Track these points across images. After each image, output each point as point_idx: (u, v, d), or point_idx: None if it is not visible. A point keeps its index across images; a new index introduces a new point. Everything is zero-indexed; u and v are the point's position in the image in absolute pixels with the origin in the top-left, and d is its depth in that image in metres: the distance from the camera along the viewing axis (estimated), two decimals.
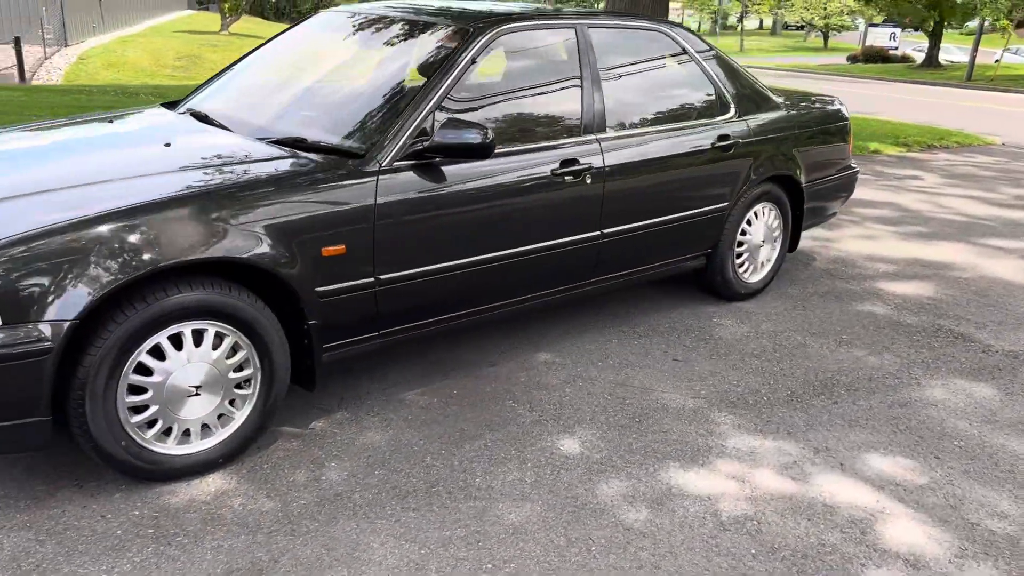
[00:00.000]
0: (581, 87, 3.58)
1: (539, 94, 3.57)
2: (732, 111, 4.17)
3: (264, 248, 2.62)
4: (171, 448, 2.63)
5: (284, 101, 3.48)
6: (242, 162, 2.88)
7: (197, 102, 3.66)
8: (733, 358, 3.80)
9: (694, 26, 54.11)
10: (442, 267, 3.10)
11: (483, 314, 3.40)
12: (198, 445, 2.68)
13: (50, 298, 2.26)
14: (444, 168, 3.08)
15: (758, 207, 4.36)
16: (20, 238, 2.29)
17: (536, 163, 3.34)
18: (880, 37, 39.76)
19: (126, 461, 2.53)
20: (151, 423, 2.58)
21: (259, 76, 3.73)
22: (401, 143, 2.98)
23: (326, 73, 3.63)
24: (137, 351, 2.46)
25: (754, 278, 4.51)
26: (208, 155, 2.98)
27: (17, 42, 17.12)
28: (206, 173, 2.77)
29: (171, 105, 3.77)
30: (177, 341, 2.54)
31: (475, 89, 3.32)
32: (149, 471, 2.60)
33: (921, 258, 5.48)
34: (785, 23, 56.63)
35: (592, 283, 3.75)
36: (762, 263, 4.51)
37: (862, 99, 17.90)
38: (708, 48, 4.22)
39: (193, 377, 2.58)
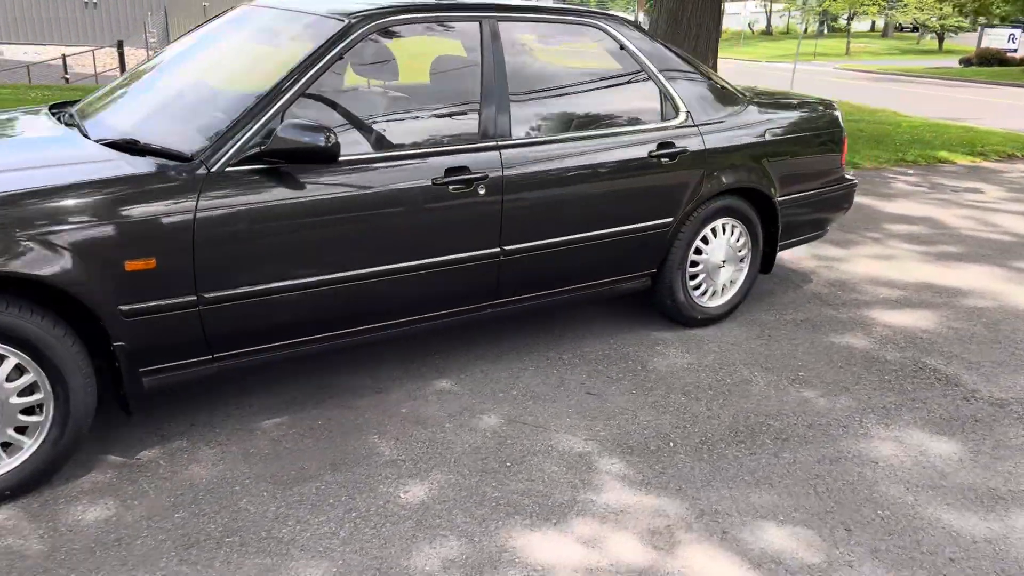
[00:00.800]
0: (481, 88, 3.21)
1: (427, 95, 3.21)
2: (682, 115, 3.71)
3: (54, 261, 2.36)
4: None
5: (149, 101, 3.22)
6: (56, 165, 2.63)
7: (84, 104, 3.44)
8: (656, 394, 3.36)
9: (800, 28, 52.20)
10: (286, 285, 2.78)
11: (354, 337, 3.06)
12: None
13: None
14: (299, 176, 2.76)
15: (717, 223, 3.88)
16: None
17: (412, 172, 2.98)
18: (998, 39, 37.46)
19: None
20: None
21: (150, 76, 3.49)
22: (238, 146, 2.68)
23: (199, 71, 3.35)
24: None
25: (714, 302, 4.03)
26: (22, 159, 2.75)
27: (120, 45, 17.83)
28: (6, 177, 2.52)
29: (62, 105, 3.57)
30: None
31: (345, 89, 2.99)
32: None
33: (935, 283, 4.86)
34: (898, 24, 53.97)
35: (497, 305, 3.36)
36: (724, 286, 4.03)
37: (961, 104, 16.77)
38: (657, 45, 3.76)
39: None
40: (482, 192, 3.11)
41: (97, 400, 2.61)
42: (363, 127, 2.96)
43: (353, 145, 2.89)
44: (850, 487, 2.79)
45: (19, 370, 2.43)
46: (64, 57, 20.48)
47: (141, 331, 2.56)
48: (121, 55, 18.20)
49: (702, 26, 8.14)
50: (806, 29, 53.77)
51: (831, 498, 2.72)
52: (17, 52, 25.15)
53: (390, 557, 2.36)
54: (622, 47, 3.62)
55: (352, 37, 2.94)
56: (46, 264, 2.34)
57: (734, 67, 27.62)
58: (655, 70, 3.66)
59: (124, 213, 2.49)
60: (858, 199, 6.69)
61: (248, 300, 2.72)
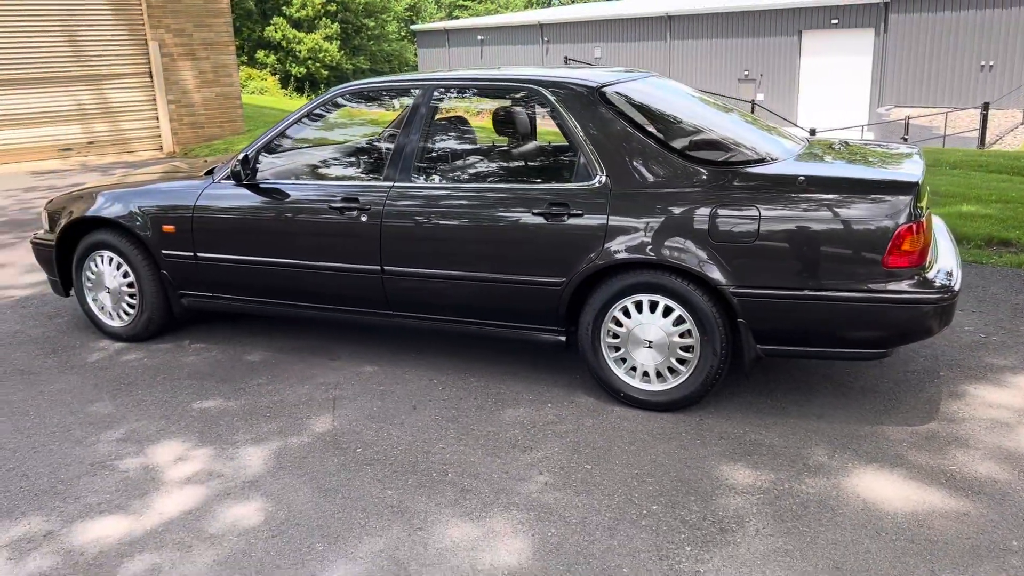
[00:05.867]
0: (396, 141, 4.04)
1: (361, 144, 4.20)
2: (599, 178, 3.65)
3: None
4: None
5: None
6: None
7: None
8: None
9: None
10: (239, 259, 4.30)
11: (288, 308, 4.33)
12: None
13: None
14: (266, 187, 4.26)
15: (644, 299, 3.64)
16: None
17: (323, 193, 4.11)
18: None
19: None
20: None
21: None
22: (229, 168, 4.31)
23: None
24: None
25: (649, 386, 3.72)
26: None
27: (985, 107, 18.15)
28: None
29: None
30: None
31: (308, 135, 4.29)
32: None
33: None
34: None
35: (394, 316, 4.10)
36: (664, 371, 3.68)
37: None
38: (599, 110, 3.73)
39: None
40: (364, 219, 4.00)
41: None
42: (307, 161, 4.22)
43: (291, 173, 4.20)
44: None
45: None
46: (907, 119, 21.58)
47: None
48: (984, 117, 18.15)
49: None
50: None
51: None
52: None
53: None
54: (552, 110, 3.81)
55: (319, 101, 4.20)
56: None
57: None
58: (579, 134, 3.71)
59: None
60: None
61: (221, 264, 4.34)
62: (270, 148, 4.29)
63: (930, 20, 26.68)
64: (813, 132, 20.39)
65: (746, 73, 31.22)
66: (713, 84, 29.63)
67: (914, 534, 2.79)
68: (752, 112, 19.86)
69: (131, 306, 4.63)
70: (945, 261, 3.58)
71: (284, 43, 37.59)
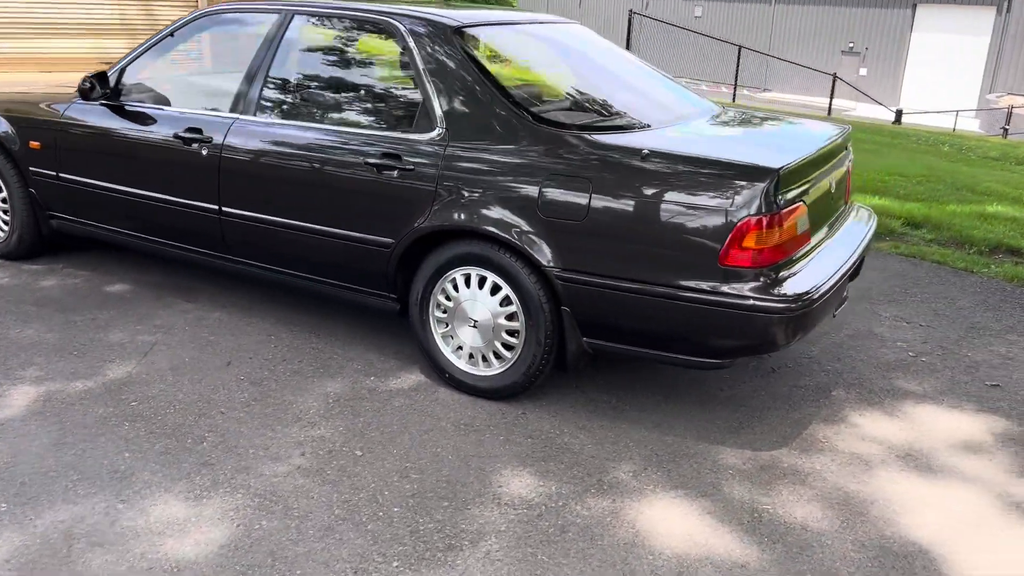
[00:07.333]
0: (248, 68, 3.67)
1: (216, 70, 3.85)
2: (438, 131, 3.22)
3: None
4: None
5: None
6: None
7: None
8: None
9: None
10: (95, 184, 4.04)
11: (132, 239, 4.06)
12: None
13: None
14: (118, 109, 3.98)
15: (473, 272, 3.23)
16: None
17: (170, 122, 3.79)
18: None
19: None
20: None
21: None
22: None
23: None
24: None
25: (475, 370, 3.31)
26: None
27: None
28: None
29: None
30: None
31: (171, 58, 3.97)
32: None
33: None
34: None
35: (231, 260, 3.78)
36: (490, 356, 3.27)
37: None
38: (452, 53, 3.29)
39: None
40: (204, 153, 3.67)
41: None
42: (158, 85, 3.89)
43: (148, 97, 3.89)
44: None
45: None
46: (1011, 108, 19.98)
47: None
48: None
49: None
50: None
51: None
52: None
53: None
54: (404, 48, 3.38)
55: (182, 22, 3.86)
56: None
57: None
58: (426, 80, 3.28)
59: None
60: None
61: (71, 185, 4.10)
62: (132, 68, 3.98)
63: None
64: (900, 113, 19.09)
65: (851, 45, 29.46)
66: (813, 54, 28.12)
67: None
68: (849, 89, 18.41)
69: (5, 223, 4.44)
70: (818, 265, 3.04)
71: None
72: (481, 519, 2.58)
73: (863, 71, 28.43)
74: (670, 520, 2.62)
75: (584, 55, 4.02)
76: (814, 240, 3.14)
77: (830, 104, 18.52)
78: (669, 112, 3.56)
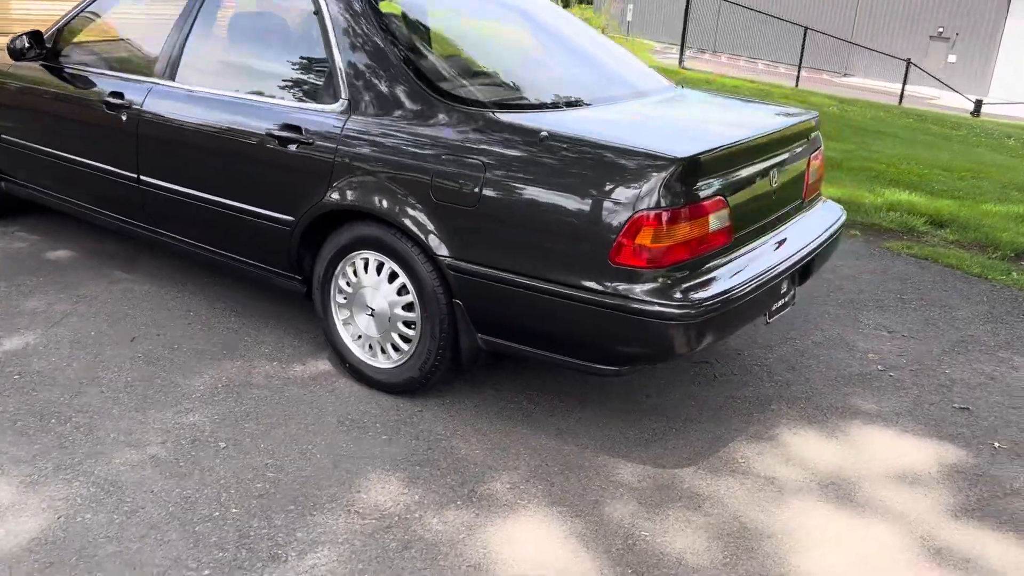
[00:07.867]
0: (171, 30, 3.50)
1: (144, 36, 3.69)
2: (341, 103, 2.99)
3: None
4: None
5: None
6: None
7: None
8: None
9: None
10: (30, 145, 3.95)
11: (60, 202, 3.95)
12: None
13: None
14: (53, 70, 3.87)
15: (371, 257, 3.00)
16: None
17: (99, 85, 3.66)
18: None
19: None
20: None
21: None
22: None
23: None
24: None
25: (375, 362, 3.10)
26: None
27: None
28: None
29: None
30: None
31: (109, 20, 3.83)
32: None
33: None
34: None
35: (152, 232, 3.63)
36: (387, 347, 3.05)
37: None
38: (365, 17, 3.04)
39: None
40: (124, 118, 3.52)
41: None
42: (93, 49, 3.75)
43: (82, 59, 3.77)
44: None
45: None
46: None
47: None
48: None
49: None
50: None
51: None
52: None
53: None
54: (317, 10, 3.14)
55: None
56: None
57: None
58: (335, 46, 3.05)
59: None
60: None
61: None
62: (71, 28, 3.85)
63: None
64: (980, 104, 18.02)
65: (940, 31, 28.04)
66: (899, 39, 26.89)
67: None
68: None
69: None
70: (739, 266, 2.72)
71: None
72: (321, 527, 2.37)
73: (952, 58, 27.07)
74: (530, 542, 2.37)
75: (541, 25, 3.73)
76: (758, 239, 2.83)
77: (902, 91, 17.60)
78: (612, 89, 3.27)
